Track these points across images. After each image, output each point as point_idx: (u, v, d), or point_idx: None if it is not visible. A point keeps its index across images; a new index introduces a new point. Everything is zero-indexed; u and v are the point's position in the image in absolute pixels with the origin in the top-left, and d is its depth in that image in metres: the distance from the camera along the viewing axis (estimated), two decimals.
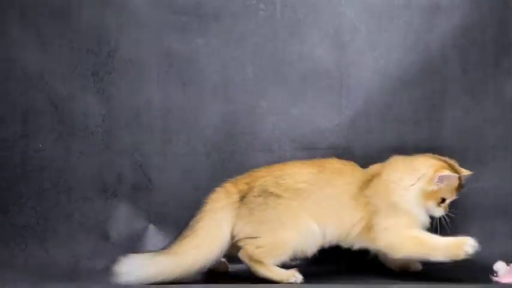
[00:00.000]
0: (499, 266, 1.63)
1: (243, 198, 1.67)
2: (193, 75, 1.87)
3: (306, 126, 1.86)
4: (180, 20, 1.86)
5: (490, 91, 1.84)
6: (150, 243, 1.85)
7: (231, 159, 1.87)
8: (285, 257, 1.64)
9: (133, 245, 1.84)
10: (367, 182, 1.67)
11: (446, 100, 1.85)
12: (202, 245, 1.63)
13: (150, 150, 1.87)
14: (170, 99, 1.87)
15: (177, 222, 1.85)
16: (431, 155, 1.69)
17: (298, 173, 1.69)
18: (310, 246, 1.65)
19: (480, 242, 1.79)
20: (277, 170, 1.70)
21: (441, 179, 1.63)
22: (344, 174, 1.69)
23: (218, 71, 1.87)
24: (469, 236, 1.58)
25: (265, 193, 1.66)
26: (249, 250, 1.64)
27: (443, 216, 1.66)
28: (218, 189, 1.70)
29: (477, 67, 1.85)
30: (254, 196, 1.67)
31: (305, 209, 1.65)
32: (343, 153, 1.83)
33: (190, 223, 1.66)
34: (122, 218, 1.86)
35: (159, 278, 1.58)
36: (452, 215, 1.67)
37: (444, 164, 1.66)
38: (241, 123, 1.87)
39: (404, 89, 1.85)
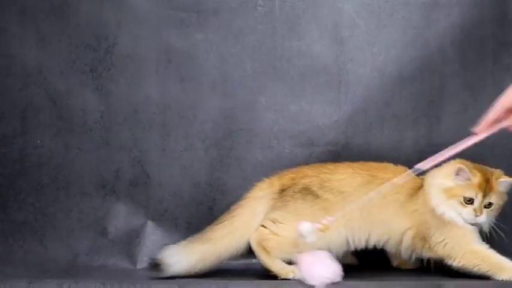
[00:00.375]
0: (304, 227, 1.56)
1: (282, 191, 1.67)
2: (192, 71, 1.87)
3: (304, 122, 1.86)
4: (178, 16, 1.86)
5: (488, 87, 1.84)
6: (149, 239, 1.85)
7: (230, 155, 1.87)
8: (295, 255, 1.62)
9: (132, 241, 1.84)
10: (417, 189, 1.66)
11: (445, 96, 1.85)
12: (234, 232, 1.64)
13: (148, 146, 1.87)
14: (169, 95, 1.87)
15: (176, 219, 1.86)
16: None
17: (347, 180, 1.67)
18: (332, 248, 1.62)
19: None
20: (326, 171, 1.69)
21: (459, 172, 1.61)
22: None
23: (217, 67, 1.87)
24: None
25: (307, 191, 1.66)
26: (262, 233, 1.64)
27: (490, 225, 1.64)
28: (264, 179, 1.70)
29: (476, 63, 1.85)
30: (294, 191, 1.66)
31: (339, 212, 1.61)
32: (342, 149, 1.84)
33: (231, 208, 1.67)
34: (121, 214, 1.86)
35: (198, 267, 1.59)
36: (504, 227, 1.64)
37: (469, 164, 1.64)
38: (240, 119, 1.86)
39: (403, 85, 1.85)
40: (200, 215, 1.86)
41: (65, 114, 1.87)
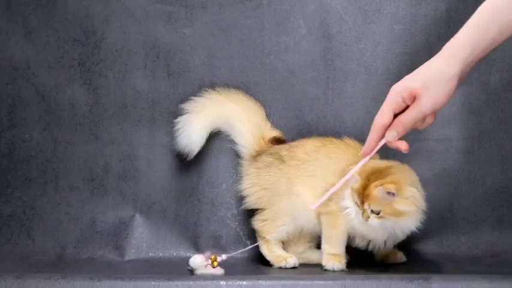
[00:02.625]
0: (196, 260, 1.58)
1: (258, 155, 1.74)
2: (180, 66, 1.87)
3: (292, 118, 1.87)
4: (166, 10, 1.86)
5: (474, 82, 1.85)
6: (137, 231, 1.85)
7: (218, 148, 1.87)
8: (285, 228, 1.67)
9: (120, 233, 1.85)
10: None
11: None
12: None
13: (137, 141, 1.87)
14: (157, 90, 1.87)
15: (164, 212, 1.87)
16: None
17: (306, 146, 1.72)
18: (302, 217, 1.66)
19: (466, 232, 1.82)
20: (299, 141, 1.76)
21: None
22: (344, 151, 1.70)
23: (205, 62, 1.87)
24: None
25: (276, 155, 1.72)
26: (256, 226, 1.70)
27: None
28: None
29: None
30: (265, 154, 1.73)
31: (299, 177, 1.68)
32: None
33: None
34: (109, 207, 1.86)
35: None
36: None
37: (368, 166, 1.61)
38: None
39: (390, 81, 1.84)
40: (188, 207, 1.86)
41: (53, 109, 1.87)
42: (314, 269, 1.67)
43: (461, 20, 1.83)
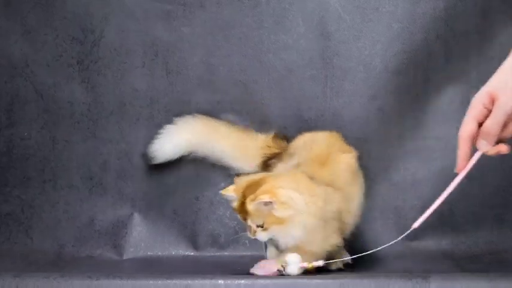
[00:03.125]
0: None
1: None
2: (179, 64, 1.87)
3: (291, 116, 1.87)
4: (165, 9, 1.86)
5: (473, 80, 1.84)
6: (135, 230, 1.85)
7: None
8: None
9: (118, 232, 1.85)
10: None
11: (429, 90, 1.86)
12: None
13: (135, 139, 1.87)
14: (156, 88, 1.87)
15: (162, 211, 1.87)
16: None
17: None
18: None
19: (465, 230, 1.82)
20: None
21: None
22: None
23: (203, 60, 1.87)
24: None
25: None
26: None
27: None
28: None
29: (460, 56, 1.85)
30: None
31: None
32: None
33: None
34: (107, 206, 1.86)
35: None
36: None
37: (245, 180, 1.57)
38: (227, 112, 1.87)
39: (389, 79, 1.86)
40: (187, 206, 1.87)
41: (51, 107, 1.86)
42: None
43: (460, 19, 1.85)
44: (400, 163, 1.86)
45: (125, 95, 1.87)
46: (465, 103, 1.83)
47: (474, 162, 1.36)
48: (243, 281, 1.40)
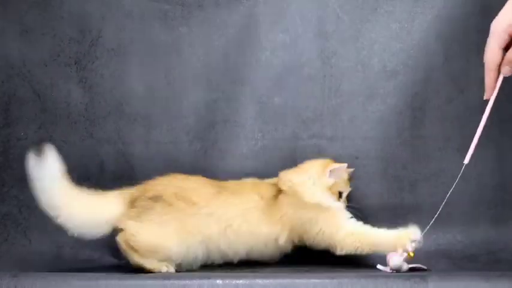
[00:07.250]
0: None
1: (133, 202, 1.65)
2: (176, 64, 1.87)
3: (289, 115, 1.87)
4: (162, 8, 1.86)
5: (472, 80, 1.84)
6: None
7: (214, 147, 1.87)
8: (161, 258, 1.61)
9: (116, 233, 1.84)
10: (276, 196, 1.68)
11: (428, 89, 1.86)
12: None
13: (133, 139, 1.87)
14: (153, 88, 1.87)
15: None
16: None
17: (199, 190, 1.66)
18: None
19: (463, 230, 1.81)
20: (178, 180, 1.69)
21: (331, 172, 1.69)
22: (243, 194, 1.68)
23: (201, 60, 1.87)
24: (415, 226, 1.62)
25: (158, 199, 1.64)
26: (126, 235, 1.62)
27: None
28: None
29: (460, 56, 1.85)
30: (145, 200, 1.65)
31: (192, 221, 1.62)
32: (327, 143, 1.85)
33: None
34: None
35: None
36: (357, 206, 1.71)
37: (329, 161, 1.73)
38: (224, 111, 1.87)
39: (387, 79, 1.85)
40: None
41: (48, 107, 1.86)
42: (312, 267, 1.67)
43: (458, 18, 1.85)
44: (398, 163, 1.85)
45: (122, 95, 1.86)
46: (465, 103, 1.85)
47: (498, 86, 1.44)
48: (241, 281, 1.40)
